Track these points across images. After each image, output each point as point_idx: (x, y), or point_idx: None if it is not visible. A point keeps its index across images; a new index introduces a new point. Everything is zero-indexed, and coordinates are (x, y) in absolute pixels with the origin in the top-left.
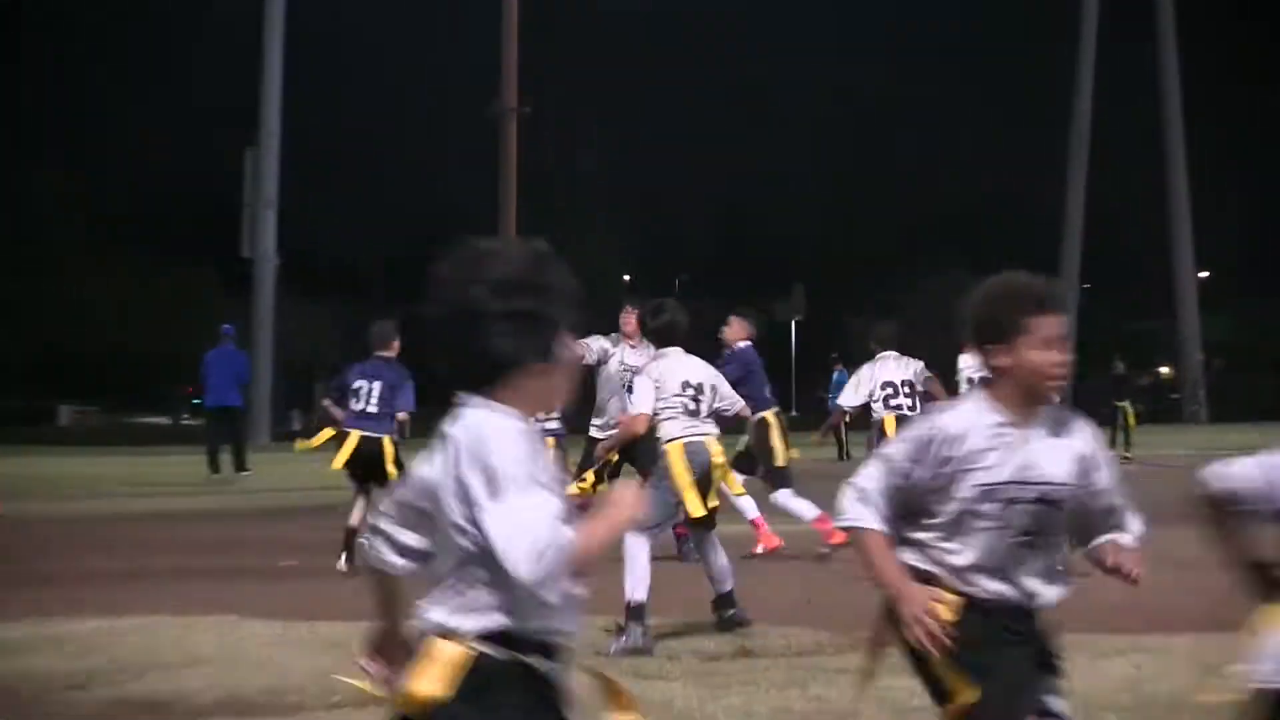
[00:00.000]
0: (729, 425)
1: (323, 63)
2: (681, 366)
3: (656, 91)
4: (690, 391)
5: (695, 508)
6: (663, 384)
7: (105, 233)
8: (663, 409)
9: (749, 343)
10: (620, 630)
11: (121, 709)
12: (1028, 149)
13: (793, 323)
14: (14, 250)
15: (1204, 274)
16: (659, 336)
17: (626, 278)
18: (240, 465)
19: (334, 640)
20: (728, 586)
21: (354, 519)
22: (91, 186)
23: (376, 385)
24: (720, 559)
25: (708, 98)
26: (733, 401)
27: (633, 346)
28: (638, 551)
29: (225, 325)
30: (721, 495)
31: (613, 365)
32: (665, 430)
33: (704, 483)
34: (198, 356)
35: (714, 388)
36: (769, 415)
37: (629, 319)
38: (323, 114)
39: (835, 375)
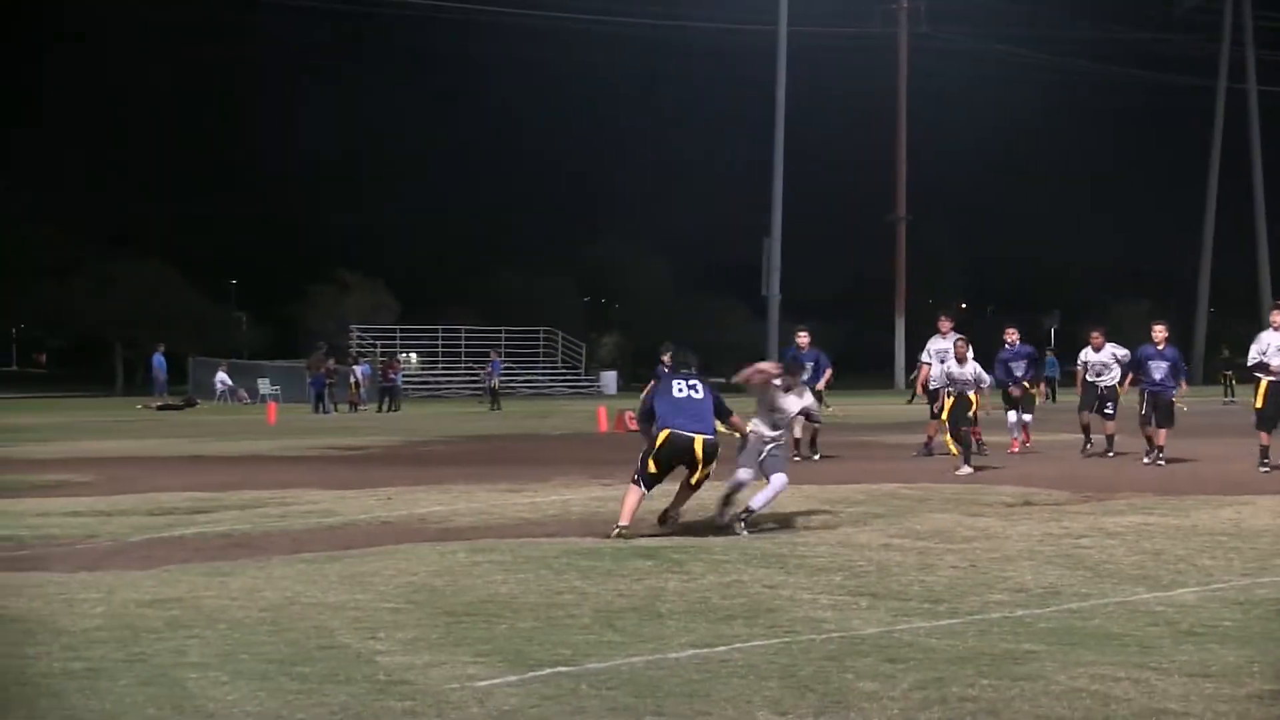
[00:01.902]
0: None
1: (802, 181)
2: None
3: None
4: None
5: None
6: None
7: (688, 283)
8: None
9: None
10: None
11: (695, 530)
12: (1186, 227)
13: (1052, 330)
14: (638, 293)
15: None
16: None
17: (963, 305)
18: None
19: (809, 495)
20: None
21: None
22: (677, 256)
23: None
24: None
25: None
26: None
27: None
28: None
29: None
30: None
31: None
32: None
33: None
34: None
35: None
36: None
37: (943, 323)
38: (800, 210)
39: (1048, 359)
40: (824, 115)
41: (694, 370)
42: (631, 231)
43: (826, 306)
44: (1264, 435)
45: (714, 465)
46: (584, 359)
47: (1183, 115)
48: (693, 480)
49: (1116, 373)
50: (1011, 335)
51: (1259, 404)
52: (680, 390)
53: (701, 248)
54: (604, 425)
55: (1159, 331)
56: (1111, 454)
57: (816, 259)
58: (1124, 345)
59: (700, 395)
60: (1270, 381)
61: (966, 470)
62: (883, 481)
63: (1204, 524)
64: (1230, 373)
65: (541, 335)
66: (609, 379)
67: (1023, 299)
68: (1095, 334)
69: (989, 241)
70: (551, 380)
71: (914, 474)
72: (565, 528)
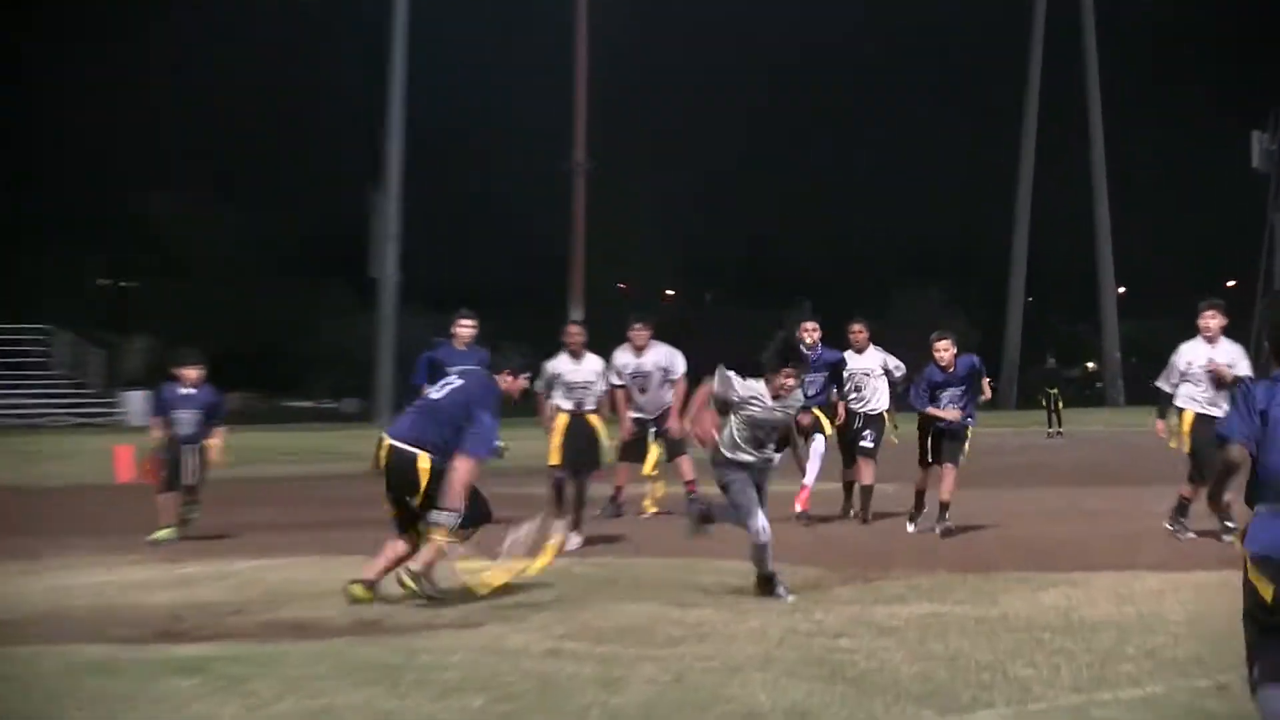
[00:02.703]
0: None
1: (435, 119)
2: None
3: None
4: None
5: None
6: None
7: (270, 258)
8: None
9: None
10: None
11: (271, 630)
12: (984, 185)
13: None
14: (196, 269)
15: (1122, 289)
16: None
17: (670, 292)
18: None
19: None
20: None
21: None
22: (251, 220)
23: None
24: None
25: (731, 136)
26: None
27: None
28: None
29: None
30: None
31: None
32: None
33: None
34: (336, 353)
35: None
36: None
37: (638, 333)
38: (437, 160)
39: None
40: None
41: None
42: (195, 190)
43: (483, 292)
44: (1190, 488)
45: (419, 492)
46: (103, 372)
47: (994, 49)
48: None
49: (883, 389)
50: (811, 333)
51: (1188, 446)
52: (440, 386)
53: (299, 214)
54: (125, 473)
55: (944, 349)
56: (863, 511)
57: (471, 233)
58: (893, 352)
59: (440, 394)
60: (1199, 415)
61: (574, 540)
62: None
63: (1019, 614)
64: (1055, 391)
65: (33, 337)
66: (136, 401)
67: (758, 285)
68: (856, 327)
69: (713, 212)
70: (46, 403)
71: (599, 541)
72: (63, 630)
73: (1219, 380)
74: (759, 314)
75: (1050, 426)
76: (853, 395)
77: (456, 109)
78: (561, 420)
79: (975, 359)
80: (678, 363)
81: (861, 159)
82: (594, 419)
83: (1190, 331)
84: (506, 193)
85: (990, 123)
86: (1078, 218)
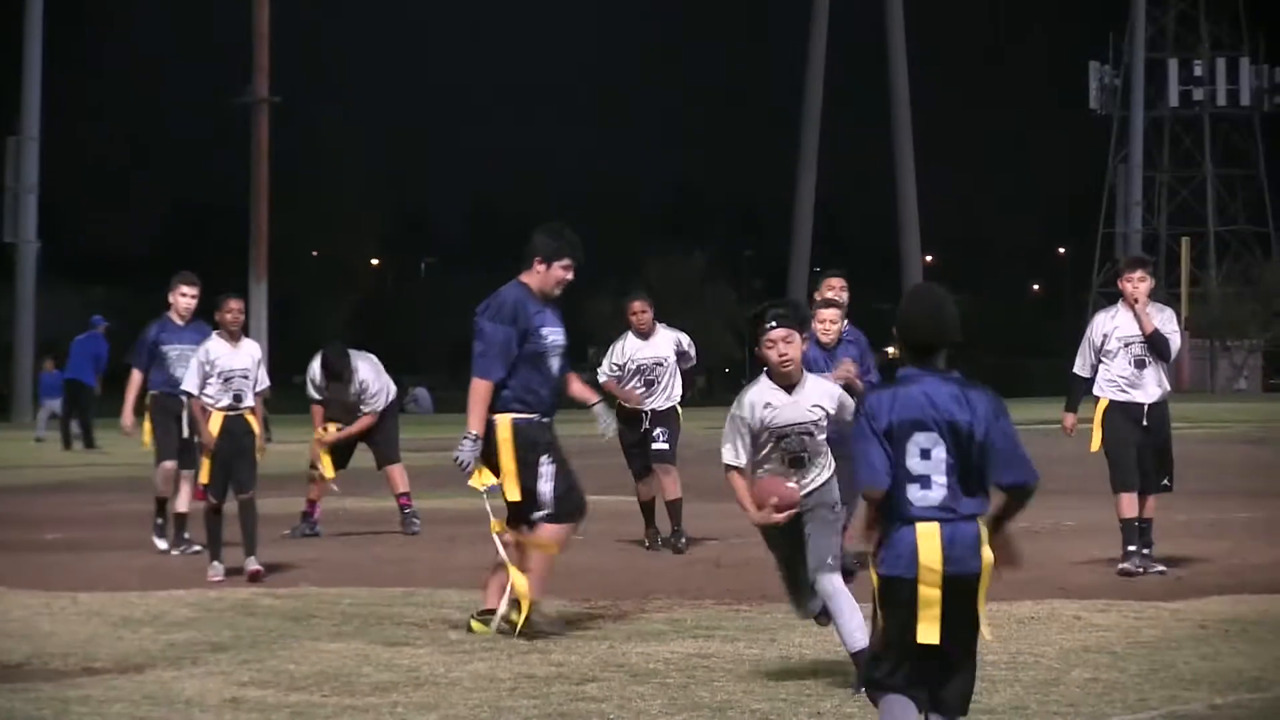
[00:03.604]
0: None
1: (82, 52)
2: None
3: (405, 77)
4: None
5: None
6: None
7: None
8: None
9: None
10: None
11: None
12: (758, 139)
13: None
14: None
15: (929, 258)
16: None
17: (375, 261)
18: (89, 443)
19: (95, 610)
20: None
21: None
22: None
23: None
24: None
25: (455, 82)
26: None
27: None
28: None
29: (95, 317)
30: None
31: None
32: None
33: None
34: None
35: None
36: None
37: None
38: (83, 102)
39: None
40: None
41: None
42: None
43: (142, 260)
44: (1126, 500)
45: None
46: None
47: None
48: None
49: (677, 379)
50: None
51: (1097, 443)
52: None
53: None
54: None
55: (831, 319)
56: (684, 540)
57: (127, 188)
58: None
59: None
60: (1114, 403)
61: (216, 571)
62: (236, 583)
63: (803, 654)
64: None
65: None
66: None
67: (485, 250)
68: (638, 305)
69: (434, 165)
70: None
71: (291, 568)
72: None
73: (1155, 348)
74: (486, 283)
75: None
76: (640, 389)
77: (113, 27)
78: (216, 421)
79: (862, 336)
80: (382, 386)
81: (601, 93)
82: (252, 418)
83: (1032, 310)
84: (173, 137)
85: (775, 42)
86: (877, 167)
